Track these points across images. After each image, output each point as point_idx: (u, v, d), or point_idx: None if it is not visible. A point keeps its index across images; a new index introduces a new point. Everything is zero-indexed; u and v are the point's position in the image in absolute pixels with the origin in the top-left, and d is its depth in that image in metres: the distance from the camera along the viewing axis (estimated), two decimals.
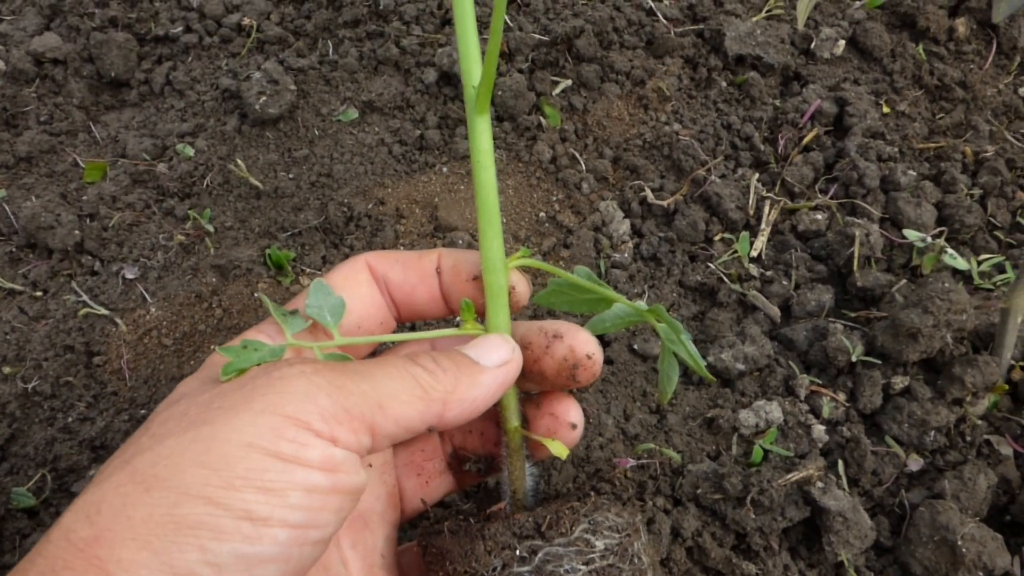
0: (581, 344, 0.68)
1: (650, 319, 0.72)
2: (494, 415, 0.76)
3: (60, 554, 0.48)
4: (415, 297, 0.72)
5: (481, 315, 0.72)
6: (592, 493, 0.72)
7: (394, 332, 0.75)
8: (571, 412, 0.72)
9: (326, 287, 0.68)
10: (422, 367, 0.61)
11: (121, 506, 0.48)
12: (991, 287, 1.12)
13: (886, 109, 1.34)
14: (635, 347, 1.09)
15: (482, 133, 0.68)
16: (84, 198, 1.24)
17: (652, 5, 1.41)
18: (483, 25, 1.37)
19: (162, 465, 0.50)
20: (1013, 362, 1.04)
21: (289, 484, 0.51)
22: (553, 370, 0.68)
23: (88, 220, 1.21)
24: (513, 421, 0.73)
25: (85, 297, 1.15)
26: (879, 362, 1.04)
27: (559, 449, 0.71)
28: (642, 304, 0.75)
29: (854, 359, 1.03)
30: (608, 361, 1.09)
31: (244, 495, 0.49)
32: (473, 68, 0.68)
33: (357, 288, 0.70)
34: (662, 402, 0.79)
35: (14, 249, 1.20)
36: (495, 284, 0.69)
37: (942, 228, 1.17)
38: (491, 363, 0.65)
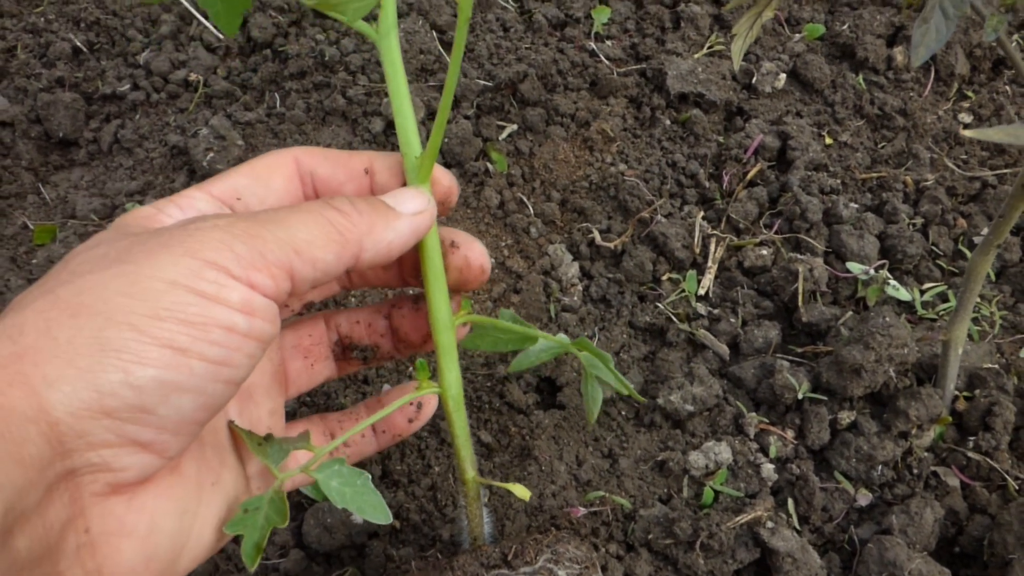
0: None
1: (571, 349, 0.78)
2: (384, 310, 0.81)
3: None
4: (342, 193, 0.72)
5: (434, 372, 0.76)
6: (553, 528, 0.75)
7: None
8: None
9: None
10: (337, 210, 0.62)
11: (45, 328, 0.50)
12: (934, 317, 1.14)
13: (828, 140, 1.36)
14: None
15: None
16: (34, 261, 1.24)
17: (594, 47, 1.42)
18: (426, 72, 1.38)
19: (87, 294, 0.51)
20: (956, 392, 1.05)
21: (210, 320, 0.52)
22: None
23: None
24: (470, 471, 0.77)
25: None
26: (825, 398, 1.05)
27: (521, 492, 0.76)
28: (564, 337, 0.80)
29: (800, 396, 1.04)
30: (560, 406, 1.09)
31: (168, 325, 0.51)
32: (412, 139, 0.69)
33: (276, 180, 0.70)
34: (589, 422, 0.83)
35: None
36: (445, 342, 0.73)
37: (884, 260, 1.18)
38: (407, 210, 0.66)
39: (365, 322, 0.80)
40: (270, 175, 0.69)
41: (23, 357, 0.48)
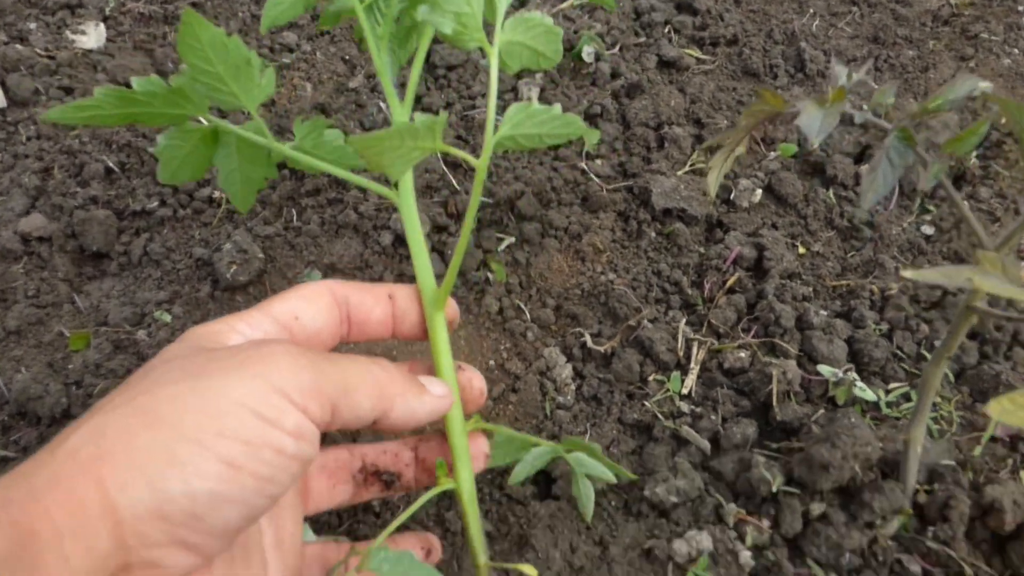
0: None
1: (560, 452, 0.94)
2: (411, 443, 0.92)
3: (64, 468, 0.56)
4: (371, 318, 0.84)
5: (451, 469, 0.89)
6: None
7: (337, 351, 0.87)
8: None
9: None
10: (382, 368, 0.73)
11: (125, 435, 0.58)
12: (898, 415, 1.24)
13: (802, 250, 1.48)
14: None
15: (440, 328, 0.85)
16: (70, 366, 1.34)
17: (585, 166, 1.56)
18: (431, 189, 1.51)
19: (164, 406, 0.60)
20: (917, 486, 1.15)
21: (265, 442, 0.61)
22: None
23: (74, 387, 1.31)
24: (482, 557, 0.89)
25: None
26: (798, 491, 1.14)
27: (530, 570, 0.89)
28: (554, 444, 0.95)
29: (775, 489, 1.14)
30: (555, 497, 1.18)
31: (227, 443, 0.59)
32: (428, 278, 0.85)
33: (323, 302, 0.81)
34: (585, 519, 0.97)
35: (6, 418, 1.29)
36: (459, 446, 0.87)
37: (852, 364, 1.29)
38: (434, 392, 0.79)
39: (392, 452, 0.91)
40: (318, 298, 0.81)
41: (103, 460, 0.57)
